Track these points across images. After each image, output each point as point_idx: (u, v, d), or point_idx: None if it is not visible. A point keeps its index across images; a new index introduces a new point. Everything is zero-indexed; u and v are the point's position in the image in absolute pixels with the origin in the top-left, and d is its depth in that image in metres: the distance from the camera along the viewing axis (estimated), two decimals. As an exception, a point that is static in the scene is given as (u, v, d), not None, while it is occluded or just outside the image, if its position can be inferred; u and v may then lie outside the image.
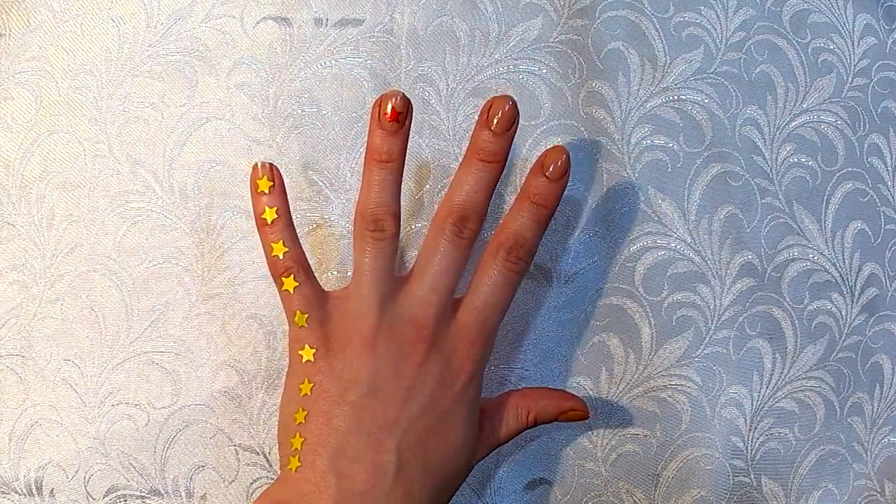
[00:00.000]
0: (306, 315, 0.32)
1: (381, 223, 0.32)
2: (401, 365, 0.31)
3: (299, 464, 0.30)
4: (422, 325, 0.32)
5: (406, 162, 0.37)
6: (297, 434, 0.31)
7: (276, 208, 0.32)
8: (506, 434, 0.34)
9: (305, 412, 0.31)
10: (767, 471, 0.41)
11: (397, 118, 0.31)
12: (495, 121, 0.32)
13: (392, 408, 0.31)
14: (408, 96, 0.32)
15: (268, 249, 0.32)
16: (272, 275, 0.33)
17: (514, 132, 0.32)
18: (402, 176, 0.33)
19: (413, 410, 0.31)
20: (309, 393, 0.31)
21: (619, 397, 0.40)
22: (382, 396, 0.31)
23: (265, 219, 0.32)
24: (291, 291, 0.32)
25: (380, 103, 0.32)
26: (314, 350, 0.32)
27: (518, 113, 0.32)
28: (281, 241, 0.32)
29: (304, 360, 0.32)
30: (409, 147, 0.37)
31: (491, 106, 0.32)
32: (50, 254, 0.39)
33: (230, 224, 0.39)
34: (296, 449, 0.30)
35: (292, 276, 0.32)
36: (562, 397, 0.35)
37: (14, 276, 0.39)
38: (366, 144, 0.33)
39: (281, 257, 0.32)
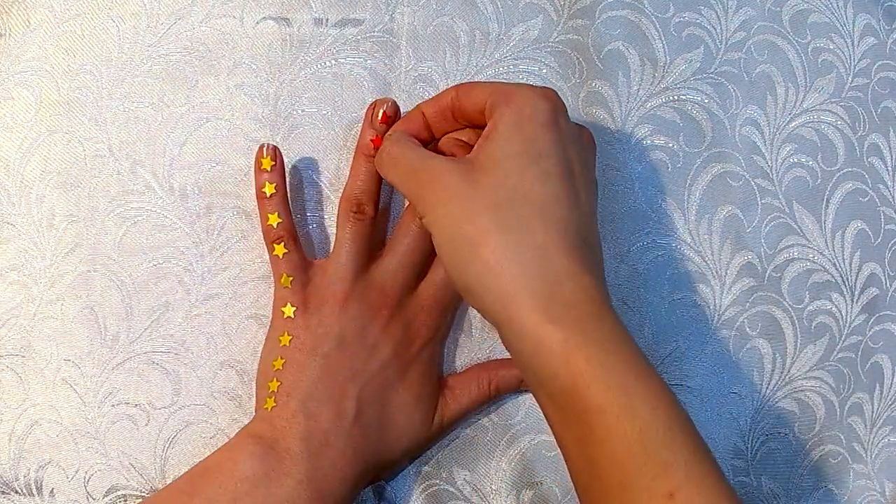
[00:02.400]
0: (291, 278, 0.36)
1: (362, 206, 0.37)
2: (367, 325, 0.36)
3: (274, 404, 0.35)
4: (387, 294, 0.37)
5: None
6: (275, 379, 0.35)
7: (274, 184, 0.37)
8: (468, 403, 0.38)
9: (283, 360, 0.35)
10: (767, 471, 0.41)
11: (387, 121, 0.37)
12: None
13: (357, 361, 0.35)
14: (398, 104, 0.37)
15: (264, 219, 0.37)
16: (265, 241, 0.37)
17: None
18: None
19: (374, 365, 0.36)
20: (287, 344, 0.36)
21: (619, 397, 0.40)
22: (349, 351, 0.35)
23: (265, 192, 0.37)
24: (280, 257, 0.37)
25: (373, 107, 0.37)
26: (294, 308, 0.36)
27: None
28: (276, 213, 0.37)
29: (284, 316, 0.36)
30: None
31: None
32: (50, 254, 0.39)
33: (230, 224, 0.39)
34: (272, 391, 0.35)
35: (283, 243, 0.37)
36: None
37: (14, 276, 0.39)
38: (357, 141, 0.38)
39: (275, 227, 0.37)
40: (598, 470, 0.28)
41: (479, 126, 0.35)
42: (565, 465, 0.30)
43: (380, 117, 0.37)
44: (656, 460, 0.27)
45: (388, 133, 0.36)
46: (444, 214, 0.31)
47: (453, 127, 0.37)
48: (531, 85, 0.33)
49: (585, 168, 0.33)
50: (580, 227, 0.31)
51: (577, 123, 0.35)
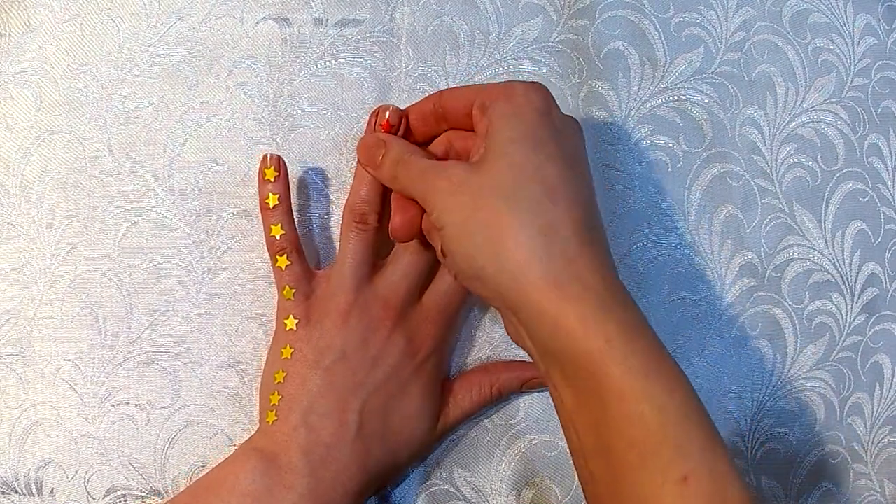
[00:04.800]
0: (294, 290, 0.36)
1: (365, 217, 0.36)
2: (369, 337, 0.36)
3: (276, 417, 0.35)
4: (390, 305, 0.36)
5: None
6: (276, 392, 0.35)
7: (278, 195, 0.37)
8: (469, 407, 0.38)
9: (285, 373, 0.35)
10: (767, 471, 0.41)
11: (389, 129, 0.36)
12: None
13: (359, 373, 0.35)
14: (400, 110, 0.36)
15: (267, 230, 0.37)
16: (269, 253, 0.37)
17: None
18: None
19: (377, 377, 0.35)
20: (289, 357, 0.36)
21: (619, 397, 0.40)
22: (351, 363, 0.35)
23: (268, 203, 0.37)
24: (283, 268, 0.36)
25: (376, 114, 0.37)
26: (297, 320, 0.36)
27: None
28: (279, 224, 0.37)
29: (287, 329, 0.36)
30: (409, 147, 0.37)
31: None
32: (50, 254, 0.39)
33: (230, 224, 0.39)
34: (273, 405, 0.35)
35: (286, 255, 0.36)
36: (523, 368, 0.39)
37: (14, 276, 0.39)
38: None
39: (278, 238, 0.36)
40: (612, 453, 0.28)
41: (461, 128, 0.36)
42: (565, 464, 0.30)
43: (383, 125, 0.36)
44: (673, 443, 0.27)
45: (385, 138, 0.36)
46: (455, 203, 0.31)
47: (435, 131, 0.37)
48: (522, 81, 0.34)
49: (582, 156, 0.34)
50: (589, 208, 0.31)
51: (565, 114, 0.35)
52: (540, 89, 0.33)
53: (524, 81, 0.33)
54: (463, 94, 0.35)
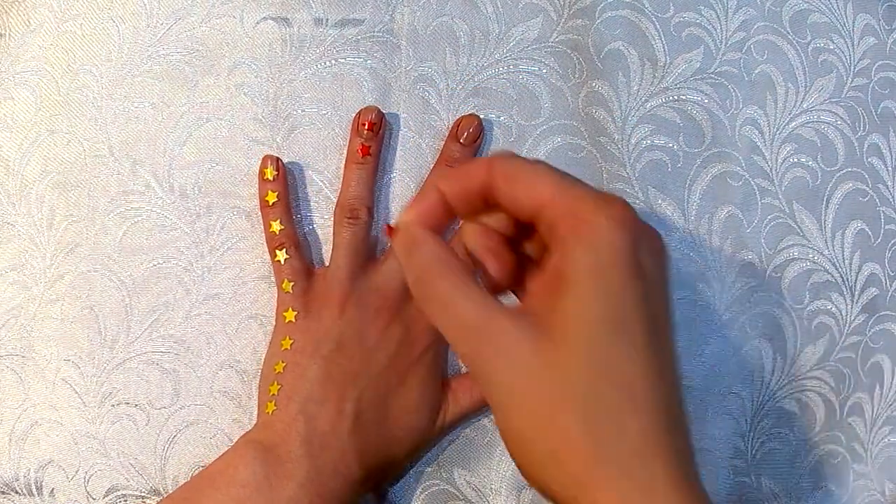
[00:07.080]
0: (292, 283, 0.37)
1: (356, 212, 0.38)
2: (367, 328, 0.36)
3: (275, 407, 0.35)
4: (387, 297, 0.37)
5: (406, 162, 0.39)
6: (276, 382, 0.36)
7: (277, 193, 0.38)
8: (469, 406, 0.38)
9: (284, 364, 0.36)
10: (767, 471, 0.41)
11: (372, 128, 0.38)
12: (465, 135, 0.39)
13: (356, 363, 0.36)
14: (381, 110, 0.38)
15: (267, 226, 0.38)
16: (268, 248, 0.38)
17: (479, 144, 0.40)
18: (376, 173, 0.39)
19: (374, 368, 0.36)
20: (289, 348, 0.36)
21: (619, 397, 0.40)
22: (348, 353, 0.36)
23: (268, 201, 0.38)
24: (282, 262, 0.37)
25: (359, 116, 0.39)
26: (296, 313, 0.37)
27: (483, 129, 0.39)
28: (278, 220, 0.38)
29: (286, 321, 0.37)
30: (408, 148, 0.38)
31: (461, 122, 0.39)
32: (50, 254, 0.39)
33: (230, 224, 0.39)
34: (273, 395, 0.35)
35: (284, 249, 0.37)
36: None
37: (14, 276, 0.39)
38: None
39: (277, 233, 0.38)
40: None
41: (518, 218, 0.27)
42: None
43: (366, 126, 0.38)
44: None
45: (408, 221, 0.27)
46: (514, 402, 0.25)
47: (480, 210, 0.28)
48: (600, 200, 0.25)
49: (665, 302, 0.26)
50: (669, 404, 0.25)
51: (647, 228, 0.26)
52: (626, 225, 0.24)
53: (608, 210, 0.24)
54: (532, 187, 0.26)
